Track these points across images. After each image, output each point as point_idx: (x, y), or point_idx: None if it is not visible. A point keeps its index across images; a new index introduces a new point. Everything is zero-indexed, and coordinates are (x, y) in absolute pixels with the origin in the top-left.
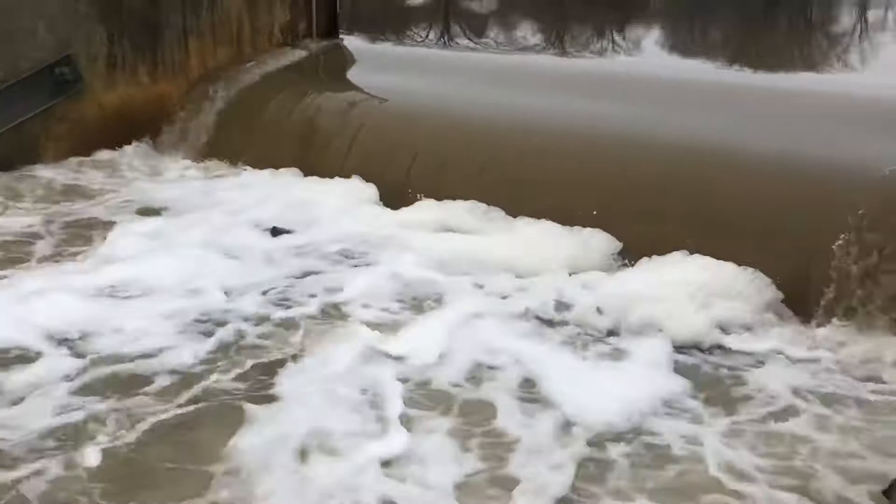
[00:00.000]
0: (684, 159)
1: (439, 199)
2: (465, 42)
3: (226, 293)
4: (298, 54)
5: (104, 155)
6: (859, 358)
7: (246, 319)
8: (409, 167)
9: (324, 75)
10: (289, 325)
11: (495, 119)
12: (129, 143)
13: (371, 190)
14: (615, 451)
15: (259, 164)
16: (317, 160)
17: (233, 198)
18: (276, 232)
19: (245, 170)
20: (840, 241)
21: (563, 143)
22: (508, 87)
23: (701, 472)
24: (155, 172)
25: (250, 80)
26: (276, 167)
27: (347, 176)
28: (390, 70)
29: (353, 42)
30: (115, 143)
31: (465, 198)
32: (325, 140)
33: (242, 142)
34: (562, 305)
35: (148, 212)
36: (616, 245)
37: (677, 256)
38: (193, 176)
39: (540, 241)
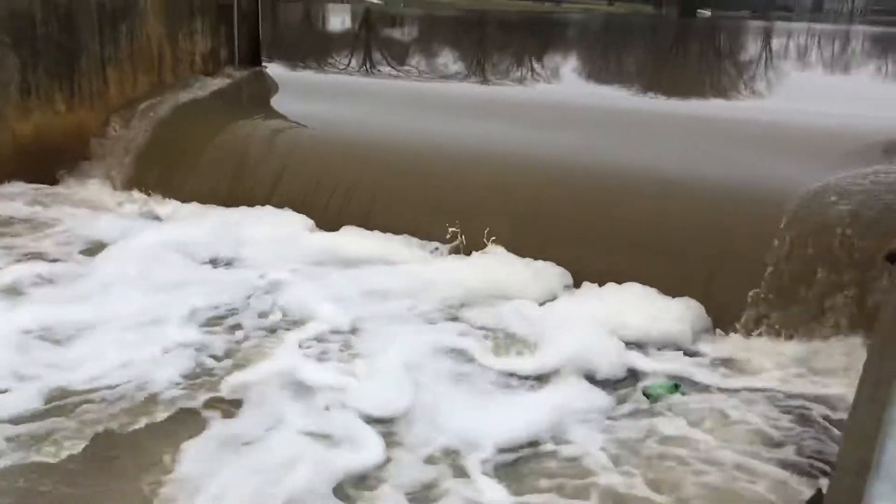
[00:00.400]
0: (613, 184)
1: (370, 228)
2: (387, 70)
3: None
4: (220, 82)
5: (17, 187)
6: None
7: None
8: (337, 195)
9: (247, 103)
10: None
11: (423, 147)
12: (46, 173)
13: (302, 219)
14: None
15: (180, 194)
16: (242, 189)
17: (154, 230)
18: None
19: (167, 201)
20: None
21: (483, 168)
22: (434, 115)
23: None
24: (72, 204)
25: (171, 109)
26: (201, 198)
27: (276, 205)
28: (315, 98)
29: (275, 69)
30: (31, 172)
31: (395, 226)
32: (251, 169)
33: (164, 172)
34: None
35: (67, 245)
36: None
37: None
38: (113, 207)
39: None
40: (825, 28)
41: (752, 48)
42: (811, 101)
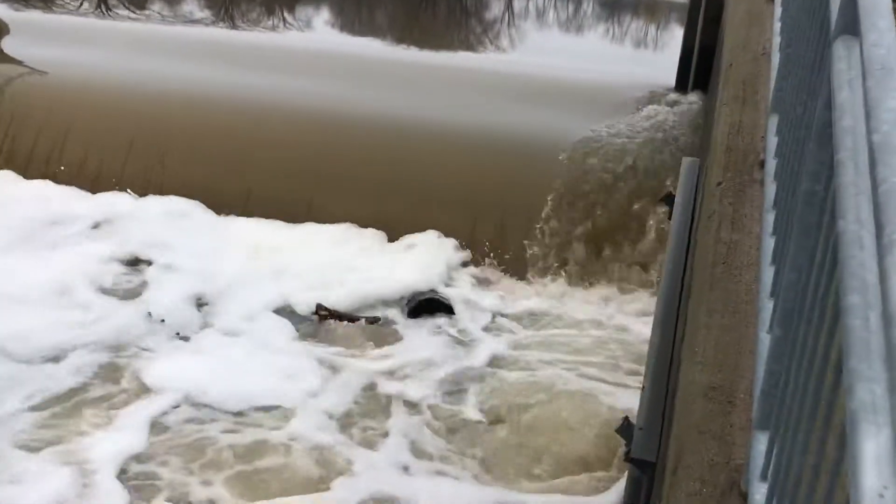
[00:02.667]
0: (373, 132)
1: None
2: (125, 13)
3: None
4: None
5: None
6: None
7: None
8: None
9: None
10: None
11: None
12: None
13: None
14: None
15: None
16: None
17: None
18: None
19: None
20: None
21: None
22: (179, 61)
23: None
24: None
25: None
26: None
27: None
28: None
29: (9, 12)
30: None
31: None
32: None
33: None
34: None
35: None
36: None
37: None
38: None
39: None
40: None
41: (496, 7)
42: (550, 56)
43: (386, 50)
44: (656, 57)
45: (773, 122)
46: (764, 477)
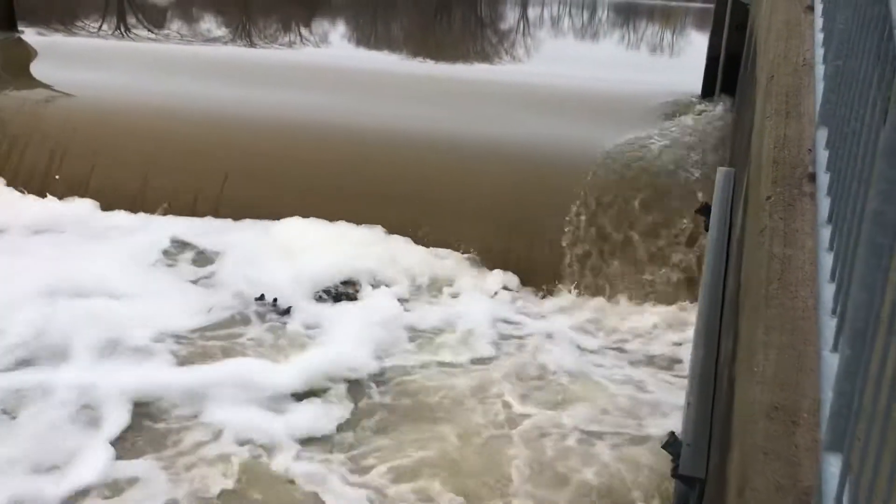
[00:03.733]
0: (393, 146)
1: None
2: (144, 33)
3: None
4: None
5: None
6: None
7: None
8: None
9: (2, 72)
10: None
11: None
12: None
13: None
14: None
15: None
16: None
17: None
18: None
19: None
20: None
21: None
22: (200, 79)
23: None
24: None
25: None
26: None
27: None
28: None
29: (36, 37)
30: None
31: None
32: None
33: None
34: None
35: None
36: None
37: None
38: None
39: None
40: None
41: (511, 17)
42: (566, 65)
43: (403, 63)
44: (676, 63)
45: (822, 134)
46: (839, 501)
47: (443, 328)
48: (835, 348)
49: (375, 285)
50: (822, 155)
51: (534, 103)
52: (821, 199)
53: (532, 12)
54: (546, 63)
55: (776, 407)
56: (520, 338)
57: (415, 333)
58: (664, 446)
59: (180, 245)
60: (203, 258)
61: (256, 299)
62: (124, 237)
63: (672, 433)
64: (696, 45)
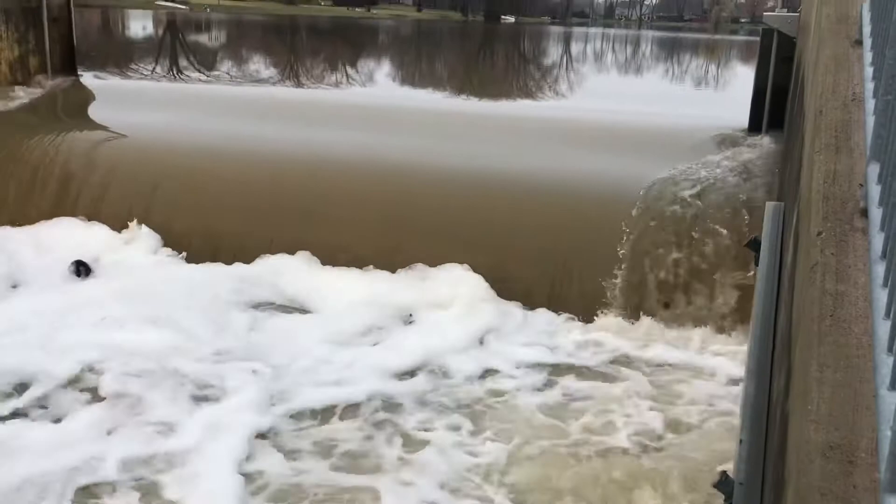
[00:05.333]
0: (445, 183)
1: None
2: (195, 75)
3: None
4: (30, 92)
5: None
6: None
7: None
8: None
9: (63, 115)
10: None
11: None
12: None
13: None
14: None
15: None
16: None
17: None
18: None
19: None
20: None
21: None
22: (251, 119)
23: None
24: None
25: None
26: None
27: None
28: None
29: (93, 80)
30: None
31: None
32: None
33: None
34: None
35: None
36: None
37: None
38: None
39: None
40: (618, 33)
41: (554, 53)
42: (611, 100)
43: (448, 101)
44: (720, 97)
45: (874, 170)
46: None
47: None
48: (892, 387)
49: None
50: (875, 190)
51: (582, 138)
52: (874, 235)
53: (575, 47)
54: (590, 98)
55: (832, 446)
56: None
57: None
58: (716, 485)
59: None
60: None
61: None
62: None
63: (724, 472)
64: (742, 77)
